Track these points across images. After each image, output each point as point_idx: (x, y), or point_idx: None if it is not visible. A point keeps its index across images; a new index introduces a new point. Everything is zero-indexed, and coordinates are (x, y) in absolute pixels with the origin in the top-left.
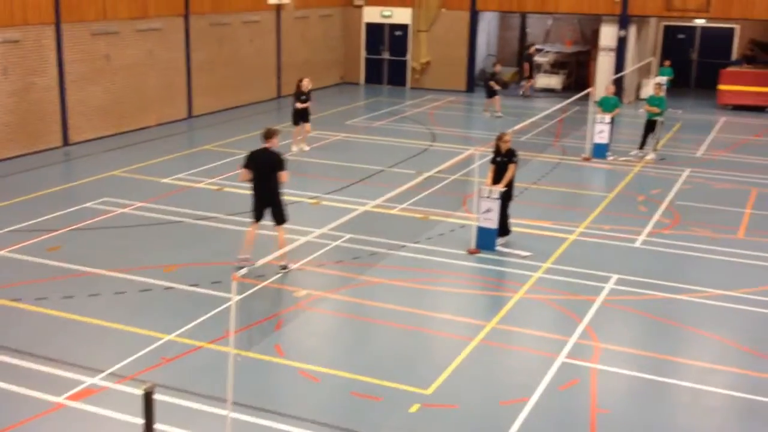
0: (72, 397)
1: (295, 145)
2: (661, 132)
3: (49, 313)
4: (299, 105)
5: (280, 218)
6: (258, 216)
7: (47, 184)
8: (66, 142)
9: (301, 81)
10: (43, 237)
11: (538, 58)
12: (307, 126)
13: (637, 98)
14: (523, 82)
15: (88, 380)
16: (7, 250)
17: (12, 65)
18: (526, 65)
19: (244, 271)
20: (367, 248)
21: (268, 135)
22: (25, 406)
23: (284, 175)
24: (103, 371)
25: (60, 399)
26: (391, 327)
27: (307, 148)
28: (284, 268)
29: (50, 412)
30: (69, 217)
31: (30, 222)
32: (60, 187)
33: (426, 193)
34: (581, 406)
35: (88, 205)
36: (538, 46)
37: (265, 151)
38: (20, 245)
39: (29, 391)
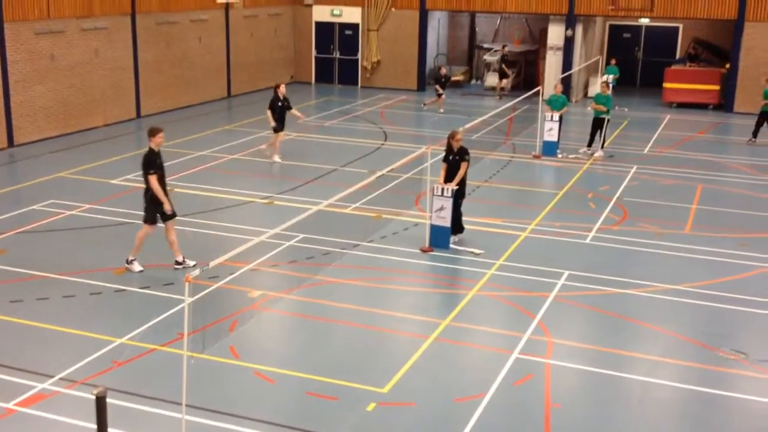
0: (22, 403)
1: (277, 154)
2: (609, 130)
3: None
4: (294, 112)
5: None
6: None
7: None
8: (11, 143)
9: (279, 86)
10: None
11: (487, 57)
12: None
13: (585, 96)
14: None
15: (39, 385)
16: None
17: None
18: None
19: (196, 272)
20: (321, 248)
21: (150, 133)
22: None
23: (148, 178)
24: (53, 376)
25: (10, 405)
26: (346, 326)
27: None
28: (130, 262)
29: (1, 418)
30: (15, 220)
31: None
32: (5, 190)
33: (379, 192)
34: (535, 400)
35: (35, 207)
36: (505, 51)
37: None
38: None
39: None
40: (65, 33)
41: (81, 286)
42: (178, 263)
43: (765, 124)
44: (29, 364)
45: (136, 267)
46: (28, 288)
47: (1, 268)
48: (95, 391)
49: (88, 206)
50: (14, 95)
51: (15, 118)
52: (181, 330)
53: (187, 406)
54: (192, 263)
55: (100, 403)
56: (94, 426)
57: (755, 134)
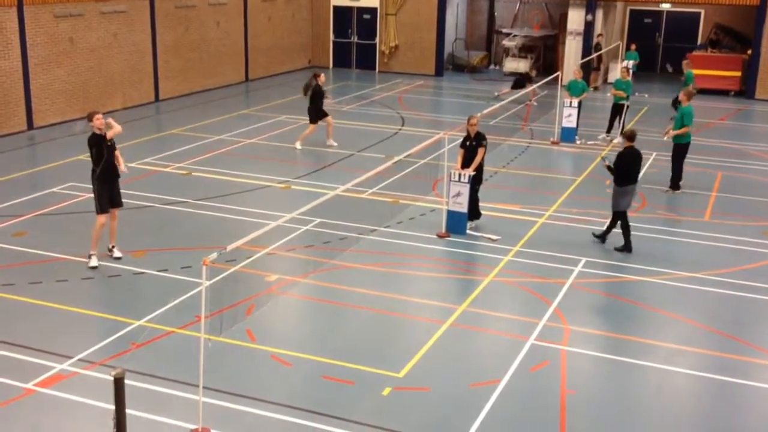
0: (41, 384)
1: (300, 141)
2: (628, 116)
3: (16, 299)
4: (329, 100)
5: None
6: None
7: (12, 169)
8: (30, 126)
9: (319, 75)
10: (8, 222)
11: (506, 42)
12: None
13: (605, 82)
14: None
15: (58, 366)
16: None
17: None
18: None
19: (214, 255)
20: (338, 233)
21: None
22: None
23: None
24: (72, 357)
25: (29, 385)
26: (362, 311)
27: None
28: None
29: (20, 398)
30: (35, 203)
31: None
32: (25, 172)
33: (396, 177)
34: (551, 387)
35: (54, 190)
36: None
37: None
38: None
39: None
40: (84, 16)
41: (99, 269)
42: (114, 256)
43: None
44: (48, 345)
45: (93, 261)
46: (47, 270)
47: (20, 250)
48: (114, 373)
49: None
50: (34, 78)
51: (35, 101)
52: (199, 313)
53: (204, 388)
54: (118, 255)
55: (119, 385)
56: (113, 407)
57: None
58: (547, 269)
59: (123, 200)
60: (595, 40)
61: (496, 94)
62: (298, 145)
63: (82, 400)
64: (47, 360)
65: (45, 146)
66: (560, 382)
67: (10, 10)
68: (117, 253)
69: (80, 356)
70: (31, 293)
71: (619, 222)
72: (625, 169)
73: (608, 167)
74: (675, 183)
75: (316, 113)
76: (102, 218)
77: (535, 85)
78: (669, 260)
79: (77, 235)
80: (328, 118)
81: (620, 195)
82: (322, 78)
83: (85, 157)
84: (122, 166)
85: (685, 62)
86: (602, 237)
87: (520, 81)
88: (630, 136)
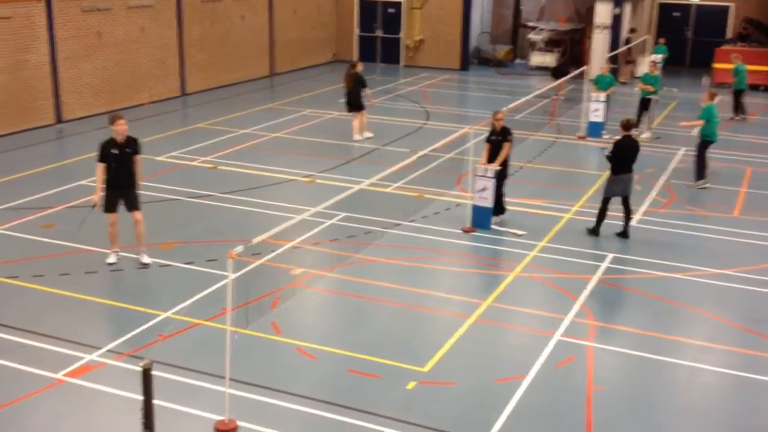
0: (71, 374)
1: (361, 131)
2: (656, 110)
3: (46, 290)
4: (369, 91)
5: None
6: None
7: (41, 162)
8: (59, 119)
9: (357, 65)
10: (37, 215)
11: (532, 36)
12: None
13: (632, 76)
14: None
15: (87, 357)
16: (2, 227)
17: (2, 42)
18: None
19: (240, 249)
20: (362, 227)
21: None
22: (24, 383)
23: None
24: (101, 348)
25: (59, 375)
26: (387, 305)
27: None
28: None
29: (49, 388)
30: (63, 195)
31: (24, 200)
32: (53, 165)
33: (421, 171)
34: (577, 383)
35: (82, 182)
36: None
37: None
38: (15, 223)
39: (28, 367)
40: (112, 11)
41: (127, 261)
42: (142, 261)
43: None
44: (77, 336)
45: (110, 258)
46: (76, 262)
47: (49, 242)
48: (142, 364)
49: None
50: (62, 72)
51: (63, 95)
52: (225, 305)
53: (230, 380)
54: (146, 261)
55: (147, 375)
56: (140, 397)
57: None
58: (573, 265)
59: (151, 193)
60: (626, 35)
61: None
62: (365, 134)
63: (111, 391)
64: (76, 350)
65: (73, 139)
66: (586, 378)
67: (39, 4)
68: (145, 259)
69: (109, 347)
70: (61, 285)
71: (601, 206)
72: (621, 157)
73: (607, 157)
74: (698, 176)
75: (357, 101)
76: (110, 217)
77: (563, 78)
78: (697, 256)
79: (105, 227)
80: (363, 111)
81: (614, 183)
82: (359, 66)
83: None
84: (139, 181)
85: (733, 56)
86: (624, 233)
87: (560, 69)
88: (626, 125)
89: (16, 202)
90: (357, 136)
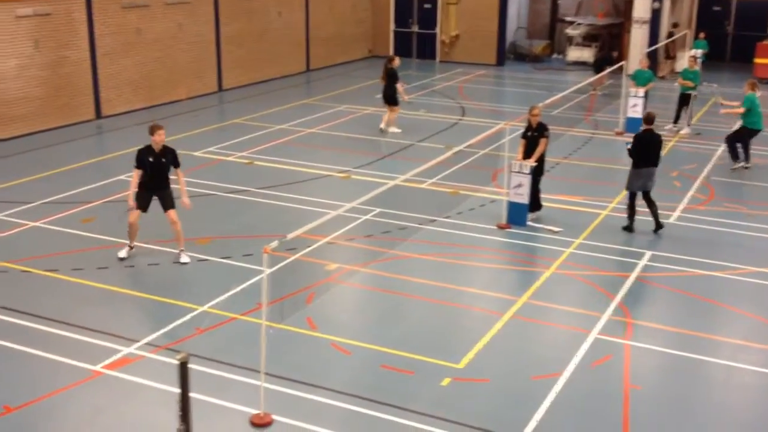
0: (109, 366)
1: (393, 126)
2: (696, 106)
3: (85, 284)
4: (401, 87)
5: None
6: None
7: (81, 157)
8: (98, 115)
9: (394, 60)
10: (77, 209)
11: (570, 31)
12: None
13: (672, 71)
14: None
15: (125, 349)
16: (42, 221)
17: (44, 38)
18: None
19: (275, 244)
20: (397, 222)
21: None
22: (63, 374)
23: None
24: (138, 341)
25: (97, 367)
26: (421, 301)
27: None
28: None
29: (88, 380)
30: (103, 190)
31: (64, 194)
32: (93, 160)
33: (456, 167)
34: (614, 382)
35: (121, 177)
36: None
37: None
38: (55, 217)
39: (67, 359)
40: (150, 7)
41: (165, 255)
42: (179, 260)
43: None
44: (116, 329)
45: (122, 252)
46: (114, 256)
47: (89, 236)
48: (178, 357)
49: (172, 177)
50: (101, 68)
51: (102, 91)
52: (260, 300)
53: (265, 374)
54: (185, 260)
55: (183, 368)
56: (177, 390)
57: None
58: (610, 262)
59: (187, 188)
60: (669, 29)
61: (593, 88)
62: (391, 129)
63: (148, 383)
64: (114, 343)
65: (112, 135)
66: (623, 376)
67: (79, 1)
68: (183, 259)
69: (146, 340)
70: (99, 278)
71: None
72: (640, 151)
73: (629, 150)
74: (733, 157)
75: (392, 95)
76: (135, 213)
77: (606, 70)
78: (736, 254)
79: (143, 222)
80: (396, 107)
81: (634, 177)
82: (396, 62)
83: None
84: (185, 201)
85: None
86: (657, 225)
87: (602, 59)
88: (647, 119)
89: (57, 197)
90: (382, 126)
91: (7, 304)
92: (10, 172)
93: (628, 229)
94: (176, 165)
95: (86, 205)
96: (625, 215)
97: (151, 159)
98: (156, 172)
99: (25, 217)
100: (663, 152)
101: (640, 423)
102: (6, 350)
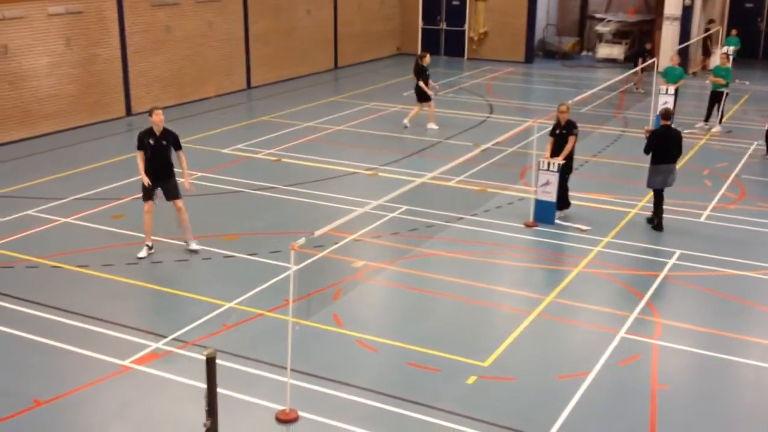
0: (137, 361)
1: (431, 122)
2: (727, 104)
3: (114, 279)
4: (432, 83)
5: None
6: None
7: (111, 154)
8: (129, 112)
9: (424, 56)
10: (107, 205)
11: (600, 28)
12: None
13: (703, 68)
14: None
15: (153, 345)
16: (73, 217)
17: (75, 36)
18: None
19: (302, 241)
20: (424, 220)
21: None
22: (92, 369)
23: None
24: (166, 336)
25: (126, 362)
26: (448, 299)
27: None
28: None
29: (116, 374)
30: (132, 186)
31: (95, 190)
32: (123, 157)
33: (483, 165)
34: (641, 382)
35: None
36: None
37: None
38: (86, 213)
39: (96, 354)
40: (180, 5)
41: (193, 251)
42: (189, 248)
43: None
44: (144, 324)
45: (141, 252)
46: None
47: (119, 232)
48: (206, 352)
49: (200, 174)
50: (132, 66)
51: (133, 88)
52: (287, 297)
53: (291, 370)
54: (194, 247)
55: (211, 364)
56: (204, 385)
57: None
58: (639, 261)
59: (215, 185)
60: (705, 26)
61: (635, 87)
62: (407, 123)
63: (175, 378)
64: (143, 338)
65: None
66: (651, 376)
67: None
68: (192, 245)
69: (174, 335)
70: (129, 274)
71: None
72: (658, 147)
73: (645, 148)
74: None
75: (421, 92)
76: (144, 206)
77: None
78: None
79: (172, 219)
80: (431, 102)
81: (652, 173)
82: (427, 59)
83: (181, 143)
84: (187, 183)
85: None
86: (651, 219)
87: (638, 53)
88: (664, 115)
89: (88, 193)
90: (405, 121)
91: (38, 299)
92: (41, 169)
93: (657, 227)
94: (177, 147)
95: (116, 202)
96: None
97: (151, 141)
98: (157, 155)
99: (56, 213)
100: (694, 150)
101: (667, 423)
102: (36, 345)
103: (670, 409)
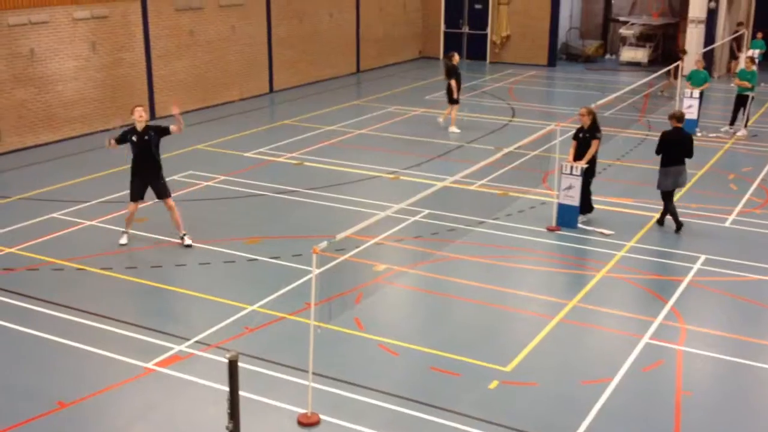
0: (161, 363)
1: (453, 126)
2: (753, 107)
3: (138, 282)
4: (453, 83)
5: None
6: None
7: None
8: (152, 116)
9: (454, 56)
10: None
11: (623, 31)
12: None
13: (728, 72)
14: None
15: (176, 347)
16: (98, 220)
17: (100, 41)
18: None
19: (324, 244)
20: (446, 224)
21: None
22: (116, 371)
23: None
24: (189, 339)
25: (149, 364)
26: (469, 303)
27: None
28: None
29: (140, 376)
30: None
31: (119, 194)
32: None
33: (505, 169)
34: (666, 388)
35: (174, 177)
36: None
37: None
38: (110, 216)
39: (119, 356)
40: (204, 10)
41: (215, 254)
42: (182, 240)
43: None
44: (167, 327)
45: (122, 239)
46: (167, 254)
47: (143, 235)
48: (228, 355)
49: (223, 177)
50: (156, 70)
51: (156, 92)
52: (309, 300)
53: (313, 374)
54: (188, 242)
55: (233, 367)
56: (226, 388)
57: None
58: (663, 266)
59: (237, 188)
60: (733, 29)
61: (660, 91)
62: (454, 129)
63: (198, 381)
64: (166, 341)
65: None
66: (675, 382)
67: (134, 3)
68: (187, 241)
69: (197, 338)
70: (153, 276)
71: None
72: (667, 149)
73: (656, 149)
74: None
75: (449, 93)
76: (130, 206)
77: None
78: None
79: (195, 222)
80: (456, 106)
81: (663, 175)
82: (456, 58)
83: (204, 146)
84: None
85: None
86: (660, 221)
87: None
88: (677, 117)
89: (112, 196)
90: (440, 120)
91: (62, 302)
92: (66, 172)
93: (677, 228)
94: (165, 131)
95: (140, 205)
96: (673, 218)
97: (134, 138)
98: (142, 153)
99: (80, 216)
100: (719, 154)
101: (691, 430)
102: (61, 347)
103: (695, 416)
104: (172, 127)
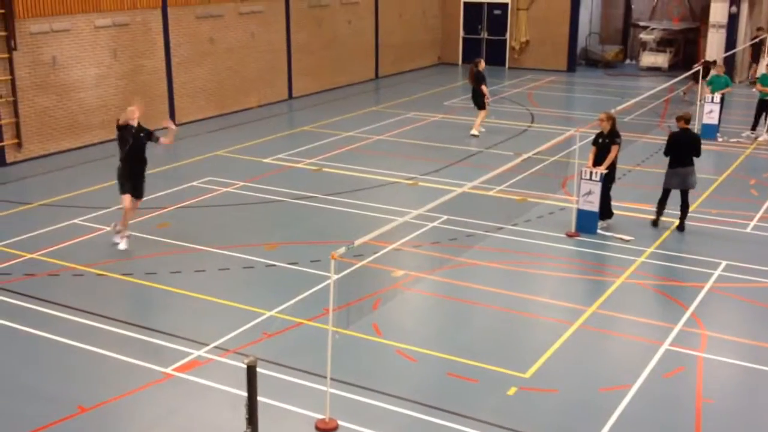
0: (179, 369)
1: (476, 128)
2: None
3: (158, 287)
4: (484, 88)
5: None
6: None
7: (156, 164)
8: (173, 122)
9: (480, 62)
10: (152, 214)
11: (644, 36)
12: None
13: (749, 76)
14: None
15: (195, 352)
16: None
17: (121, 48)
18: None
19: (342, 250)
20: (464, 230)
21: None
22: (136, 376)
23: None
24: (208, 344)
25: (168, 370)
26: (488, 309)
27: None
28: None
29: (159, 382)
30: (176, 195)
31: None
32: (168, 166)
33: (524, 174)
34: (686, 395)
35: (194, 183)
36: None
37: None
38: (131, 222)
39: (139, 361)
40: (224, 17)
41: (234, 260)
42: (114, 240)
43: None
44: (186, 332)
45: (121, 243)
46: (186, 260)
47: (163, 241)
48: (246, 361)
49: (242, 183)
50: (176, 77)
51: (177, 98)
52: (327, 306)
53: (331, 379)
54: (117, 241)
55: (251, 372)
56: (245, 393)
57: None
58: (683, 272)
59: (256, 194)
60: (753, 34)
61: (682, 93)
62: (474, 132)
63: (216, 386)
64: (185, 346)
65: (186, 142)
66: (696, 389)
67: (155, 11)
68: (117, 239)
69: (215, 343)
70: (172, 282)
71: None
72: (675, 150)
73: (665, 150)
74: None
75: (478, 98)
76: (126, 200)
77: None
78: None
79: (214, 227)
80: (482, 110)
81: (670, 176)
82: (482, 64)
83: (224, 152)
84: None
85: None
86: (680, 226)
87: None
88: (684, 119)
89: None
90: (473, 131)
91: (83, 307)
92: (88, 178)
93: (654, 224)
94: (151, 135)
95: (160, 211)
96: (679, 216)
97: (132, 134)
98: (134, 151)
99: (101, 222)
100: (740, 159)
101: None
102: (81, 351)
103: (715, 424)
104: (162, 138)
